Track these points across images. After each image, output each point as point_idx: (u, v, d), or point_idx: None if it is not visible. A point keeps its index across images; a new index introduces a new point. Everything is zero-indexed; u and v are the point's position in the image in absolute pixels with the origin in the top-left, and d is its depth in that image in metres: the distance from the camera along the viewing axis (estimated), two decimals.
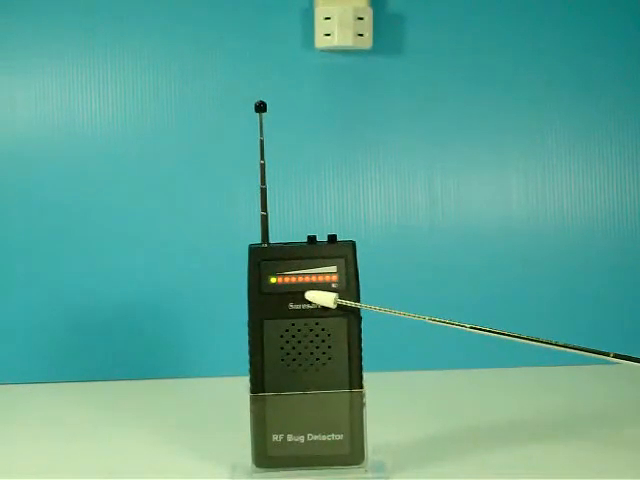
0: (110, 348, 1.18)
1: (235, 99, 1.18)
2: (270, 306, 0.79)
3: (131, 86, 1.18)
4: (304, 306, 0.79)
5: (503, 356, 1.15)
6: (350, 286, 0.79)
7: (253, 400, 0.79)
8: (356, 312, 0.79)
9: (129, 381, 1.16)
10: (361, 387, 0.79)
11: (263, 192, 0.81)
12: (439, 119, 1.20)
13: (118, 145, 1.18)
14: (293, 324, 0.79)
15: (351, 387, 0.79)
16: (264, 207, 0.81)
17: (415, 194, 1.20)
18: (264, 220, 0.81)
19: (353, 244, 0.80)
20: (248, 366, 0.80)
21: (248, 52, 1.18)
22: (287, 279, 0.79)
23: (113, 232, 1.18)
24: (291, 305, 0.79)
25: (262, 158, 0.81)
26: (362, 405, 0.79)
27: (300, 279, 0.79)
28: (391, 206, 1.20)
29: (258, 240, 0.81)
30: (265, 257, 0.80)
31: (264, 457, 0.79)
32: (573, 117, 1.20)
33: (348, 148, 1.20)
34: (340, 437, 0.79)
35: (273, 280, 0.79)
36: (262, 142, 0.81)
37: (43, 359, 1.17)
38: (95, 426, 0.99)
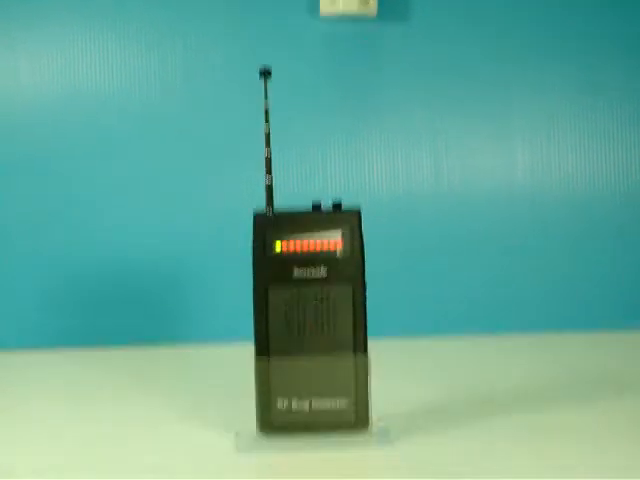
0: (113, 315, 1.19)
1: (240, 66, 1.18)
2: (275, 272, 0.79)
3: (135, 54, 1.18)
4: (309, 273, 0.79)
5: (508, 322, 1.15)
6: (354, 253, 0.79)
7: (258, 362, 0.79)
8: (361, 279, 0.80)
9: (131, 347, 1.17)
10: (366, 353, 0.80)
11: (268, 159, 0.81)
12: (444, 87, 1.20)
13: (122, 112, 1.18)
14: (298, 290, 0.79)
15: (355, 353, 0.79)
16: (269, 174, 0.81)
17: (420, 162, 1.19)
18: (269, 187, 0.81)
19: (358, 212, 0.80)
20: (253, 331, 0.80)
21: (253, 19, 1.18)
22: (292, 246, 0.79)
23: (117, 199, 1.18)
24: (296, 271, 0.79)
25: (267, 125, 0.81)
26: (367, 371, 0.79)
27: (305, 246, 0.79)
28: (396, 174, 1.19)
29: (263, 207, 0.81)
30: (270, 224, 0.79)
31: (269, 423, 0.80)
32: (578, 84, 1.20)
33: (353, 116, 1.19)
34: (345, 403, 0.79)
35: (278, 247, 0.79)
36: (267, 109, 0.81)
37: (44, 326, 1.18)
38: (97, 392, 1.00)
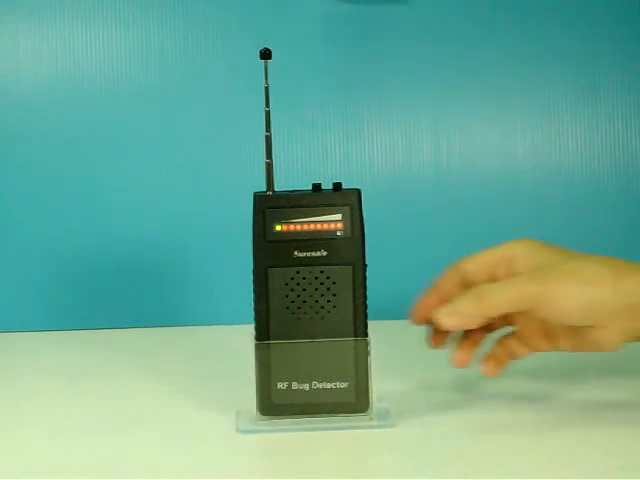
0: (113, 296, 1.18)
1: (239, 46, 1.17)
2: (275, 254, 0.79)
3: (135, 32, 1.17)
4: (309, 254, 0.79)
5: None
6: (355, 234, 0.79)
7: (258, 347, 0.79)
8: (361, 260, 0.79)
9: (132, 329, 1.17)
10: (366, 335, 0.79)
11: (268, 139, 0.81)
12: (445, 69, 1.19)
13: (122, 89, 1.18)
14: (298, 272, 0.79)
15: (356, 335, 0.79)
16: (269, 155, 0.81)
17: (420, 144, 1.19)
18: (269, 168, 0.81)
19: (358, 192, 0.80)
20: (253, 314, 0.80)
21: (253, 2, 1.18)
22: (292, 227, 0.79)
23: (115, 181, 1.18)
24: (296, 253, 0.79)
25: (267, 105, 0.81)
26: (367, 353, 0.79)
27: (305, 227, 0.79)
28: (396, 156, 1.19)
29: (263, 188, 0.81)
30: (270, 205, 0.79)
31: (269, 405, 0.80)
32: (580, 69, 1.20)
33: (352, 97, 1.19)
34: (345, 385, 0.79)
35: (278, 228, 0.79)
36: (267, 89, 0.81)
37: (46, 306, 1.18)
38: (97, 374, 1.00)
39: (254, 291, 0.79)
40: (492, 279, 0.81)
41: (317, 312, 0.79)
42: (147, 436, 0.80)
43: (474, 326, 0.80)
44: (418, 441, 0.77)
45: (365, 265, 0.80)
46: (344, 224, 0.79)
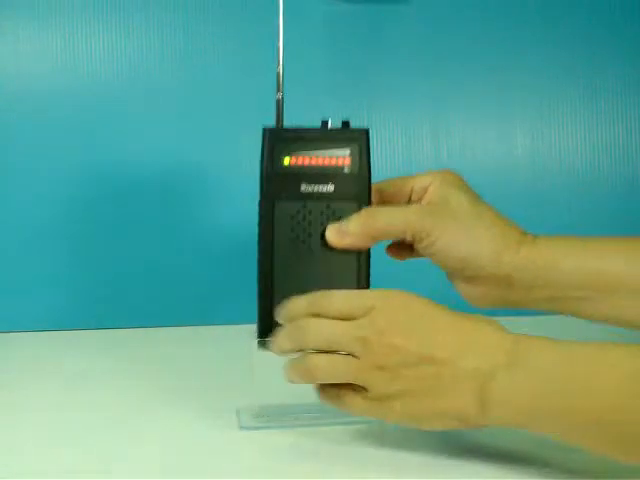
0: (113, 296, 1.18)
1: (239, 46, 1.18)
2: (282, 187, 0.79)
3: (135, 21, 1.17)
4: (316, 188, 0.79)
5: None
6: (362, 171, 0.79)
7: (262, 268, 0.78)
8: (367, 198, 0.79)
9: (133, 329, 1.17)
10: (368, 268, 0.79)
11: (279, 75, 0.81)
12: (445, 69, 1.20)
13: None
14: (304, 206, 0.79)
15: (359, 268, 0.79)
16: (279, 88, 0.81)
17: (420, 143, 1.19)
18: (279, 103, 0.81)
19: (367, 130, 0.80)
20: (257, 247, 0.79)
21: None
22: (300, 160, 0.79)
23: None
24: (303, 187, 0.79)
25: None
26: (368, 280, 0.79)
27: (314, 161, 0.79)
28: (396, 155, 1.19)
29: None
30: (279, 138, 0.79)
31: (269, 330, 0.78)
32: (580, 68, 1.20)
33: (352, 97, 1.19)
34: None
35: (286, 161, 0.79)
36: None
37: (46, 306, 1.18)
38: (97, 373, 0.99)
39: (259, 223, 0.79)
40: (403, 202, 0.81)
41: (322, 246, 0.78)
42: (147, 436, 0.80)
43: (363, 246, 0.78)
44: (419, 438, 0.77)
45: (371, 202, 0.79)
46: (352, 160, 0.79)
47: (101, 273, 1.18)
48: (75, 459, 0.76)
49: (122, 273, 1.18)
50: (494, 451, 0.74)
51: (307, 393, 0.77)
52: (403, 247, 0.82)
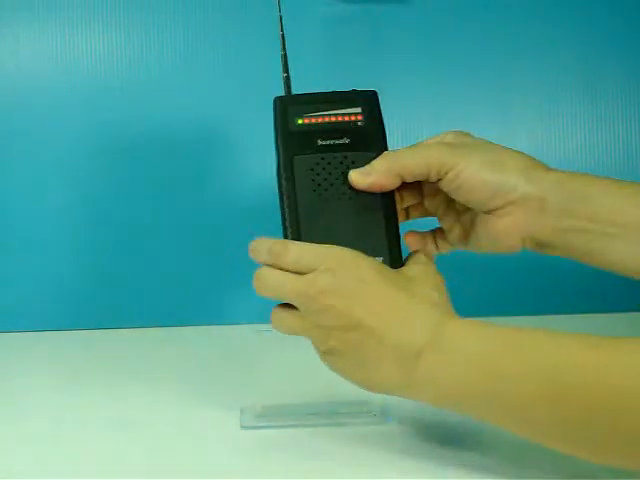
0: (113, 296, 1.18)
1: (239, 46, 1.18)
2: (299, 143, 0.80)
3: (135, 21, 1.17)
4: (333, 141, 0.80)
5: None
6: (375, 123, 0.81)
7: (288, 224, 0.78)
8: (383, 148, 0.80)
9: (132, 329, 1.17)
10: (395, 213, 0.80)
11: (284, 57, 0.83)
12: (445, 69, 1.20)
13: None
14: (323, 158, 0.79)
15: (386, 216, 0.79)
16: (286, 69, 0.83)
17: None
18: (287, 81, 0.83)
19: (375, 92, 0.82)
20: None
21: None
22: (314, 119, 0.80)
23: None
24: (320, 141, 0.80)
25: (281, 30, 0.84)
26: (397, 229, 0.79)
27: (327, 118, 0.81)
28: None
29: None
30: (291, 102, 0.81)
31: None
32: (580, 68, 1.20)
33: None
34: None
35: (300, 120, 0.80)
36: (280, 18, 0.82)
37: (46, 307, 1.17)
38: (98, 373, 0.99)
39: (279, 180, 0.79)
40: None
41: (344, 193, 0.79)
42: (148, 436, 0.80)
43: (386, 185, 0.78)
44: (420, 438, 0.77)
45: (387, 150, 0.80)
46: (364, 116, 0.81)
47: (101, 273, 1.18)
48: (75, 459, 0.76)
49: (122, 273, 1.18)
50: (496, 451, 0.74)
51: (310, 393, 0.77)
52: (425, 235, 0.83)
